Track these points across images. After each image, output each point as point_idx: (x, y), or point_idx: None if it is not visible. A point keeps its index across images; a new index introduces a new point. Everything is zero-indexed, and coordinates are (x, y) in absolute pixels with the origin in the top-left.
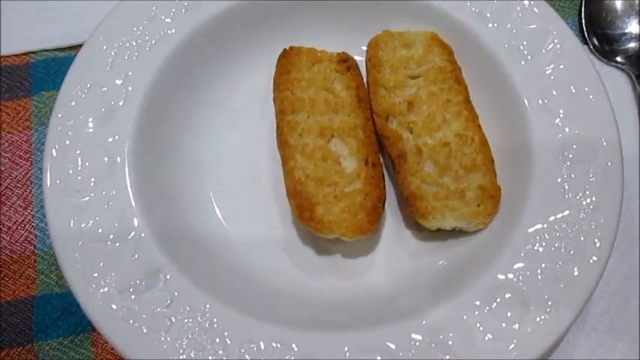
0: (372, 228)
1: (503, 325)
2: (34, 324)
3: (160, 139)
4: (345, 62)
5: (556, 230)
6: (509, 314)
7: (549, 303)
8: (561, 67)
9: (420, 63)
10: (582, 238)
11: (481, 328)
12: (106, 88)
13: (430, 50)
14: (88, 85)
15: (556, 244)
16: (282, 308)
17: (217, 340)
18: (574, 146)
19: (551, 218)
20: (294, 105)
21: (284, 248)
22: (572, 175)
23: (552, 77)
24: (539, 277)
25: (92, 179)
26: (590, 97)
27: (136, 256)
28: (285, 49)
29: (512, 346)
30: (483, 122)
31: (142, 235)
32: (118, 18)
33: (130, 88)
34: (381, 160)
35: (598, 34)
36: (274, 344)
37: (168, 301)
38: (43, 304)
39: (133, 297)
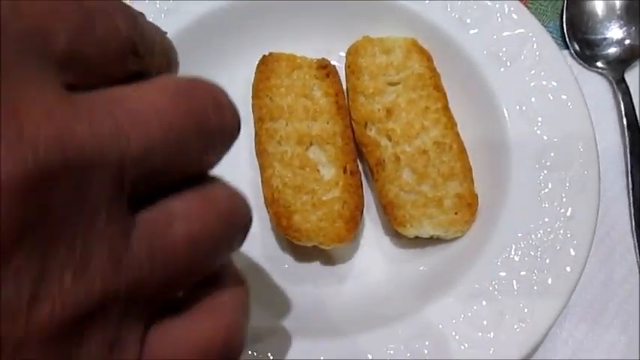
0: (349, 236)
1: (480, 333)
2: None
3: None
4: (325, 69)
5: (532, 239)
6: (485, 322)
7: (525, 311)
8: (541, 73)
9: (400, 70)
10: (558, 247)
11: (457, 337)
12: None
13: (409, 57)
14: None
15: (532, 253)
16: (258, 316)
17: None
18: (552, 154)
19: (528, 227)
20: (272, 112)
21: (262, 255)
22: (550, 183)
23: (531, 84)
24: (515, 285)
25: None
26: (569, 104)
27: None
28: (264, 55)
29: (488, 354)
30: (462, 129)
31: None
32: None
33: None
34: (360, 167)
35: (579, 38)
36: (249, 352)
37: None
38: None
39: None
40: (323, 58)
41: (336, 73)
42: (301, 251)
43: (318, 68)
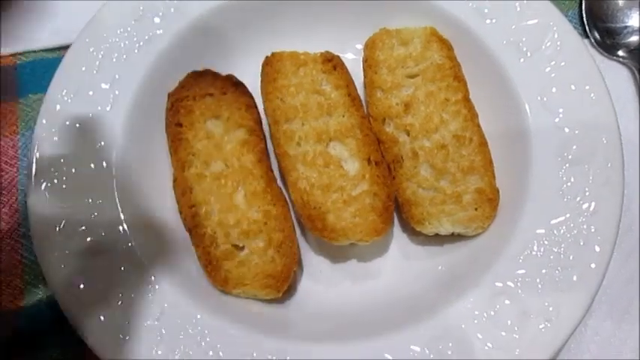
0: (386, 228)
1: (503, 333)
2: (23, 336)
3: (147, 145)
4: (331, 61)
5: (555, 235)
6: (509, 322)
7: (550, 310)
8: (562, 64)
9: (419, 61)
10: (582, 243)
11: (480, 337)
12: (92, 92)
13: (429, 47)
14: (75, 90)
15: (555, 250)
16: (276, 318)
17: (210, 352)
18: (574, 146)
19: (551, 222)
20: (286, 113)
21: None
22: (572, 177)
23: (552, 75)
24: (539, 283)
25: (79, 188)
26: (591, 95)
27: (124, 267)
28: (267, 57)
29: (513, 355)
30: (482, 121)
31: (130, 244)
32: (106, 18)
33: (117, 92)
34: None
35: (599, 27)
36: (269, 356)
37: (159, 314)
38: (32, 316)
39: (122, 310)
40: (327, 51)
41: (343, 64)
42: (330, 251)
43: (323, 62)
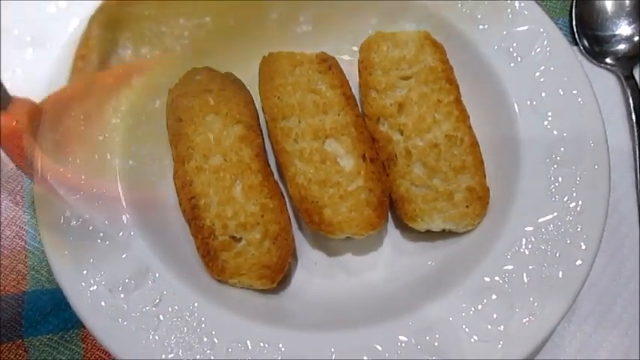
0: (381, 222)
1: (489, 326)
2: (24, 319)
3: (150, 137)
4: (326, 62)
5: (543, 233)
6: (495, 316)
7: (535, 305)
8: (551, 69)
9: (412, 64)
10: (568, 241)
11: (467, 330)
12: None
13: (422, 50)
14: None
15: (542, 247)
16: (270, 308)
17: (205, 339)
18: (562, 148)
19: (539, 220)
20: (283, 111)
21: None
22: (560, 178)
23: (542, 79)
24: (525, 279)
25: (82, 176)
26: (579, 99)
27: (126, 254)
28: (264, 56)
29: (497, 348)
30: (474, 123)
31: (132, 233)
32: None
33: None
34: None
35: (588, 35)
36: (261, 344)
37: (157, 300)
38: (33, 300)
39: (122, 295)
40: (322, 52)
41: (338, 65)
42: (318, 245)
43: (319, 62)
